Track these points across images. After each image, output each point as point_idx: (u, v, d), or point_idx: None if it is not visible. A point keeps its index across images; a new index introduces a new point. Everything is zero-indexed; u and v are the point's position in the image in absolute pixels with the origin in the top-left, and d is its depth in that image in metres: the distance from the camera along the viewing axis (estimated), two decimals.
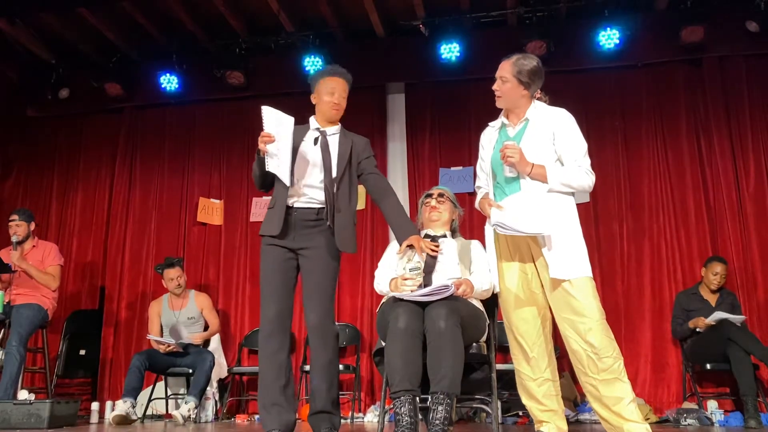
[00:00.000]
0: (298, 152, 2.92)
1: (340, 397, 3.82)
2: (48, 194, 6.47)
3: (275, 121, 2.83)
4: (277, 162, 2.85)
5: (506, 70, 2.76)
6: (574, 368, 2.66)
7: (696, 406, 4.55)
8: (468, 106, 5.76)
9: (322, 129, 3.00)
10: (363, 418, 4.99)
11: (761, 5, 5.06)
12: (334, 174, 2.89)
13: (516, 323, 2.75)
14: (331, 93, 2.97)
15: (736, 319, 4.49)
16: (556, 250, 2.62)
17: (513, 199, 2.69)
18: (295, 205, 2.91)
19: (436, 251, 2.89)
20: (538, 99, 2.86)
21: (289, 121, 2.82)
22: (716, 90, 5.39)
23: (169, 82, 6.04)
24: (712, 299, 4.76)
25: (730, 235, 5.12)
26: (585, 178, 2.70)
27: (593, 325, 2.55)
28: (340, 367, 4.58)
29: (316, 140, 2.97)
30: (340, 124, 3.07)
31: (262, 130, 2.83)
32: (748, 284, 5.03)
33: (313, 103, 3.06)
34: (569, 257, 2.61)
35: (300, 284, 2.93)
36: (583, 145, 2.74)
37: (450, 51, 5.52)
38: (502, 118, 2.91)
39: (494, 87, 2.81)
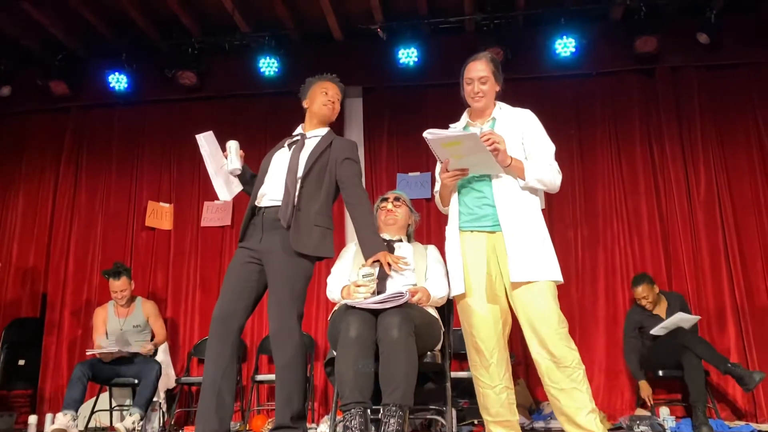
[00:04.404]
0: (272, 160, 2.92)
1: None
2: None
3: (206, 145, 2.87)
4: (217, 183, 2.96)
5: (483, 69, 2.71)
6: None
7: (648, 413, 4.58)
8: (426, 111, 5.71)
9: (304, 133, 2.95)
10: (316, 428, 4.86)
11: (711, 18, 5.17)
12: (299, 173, 2.80)
13: (477, 326, 2.65)
14: (325, 93, 2.96)
15: (689, 319, 4.52)
16: (521, 250, 2.57)
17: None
18: (261, 205, 2.83)
19: (404, 268, 2.79)
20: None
21: (210, 136, 2.91)
22: (669, 99, 5.48)
23: (118, 81, 5.81)
24: (660, 310, 4.77)
25: (681, 242, 5.19)
26: (557, 176, 2.71)
27: (552, 332, 2.50)
28: None
29: (290, 145, 2.92)
30: (328, 128, 3.00)
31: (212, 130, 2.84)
32: (699, 291, 5.09)
33: (305, 107, 3.02)
34: (534, 259, 2.56)
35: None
36: (551, 146, 2.74)
37: (408, 56, 5.47)
38: (466, 118, 2.85)
39: (476, 89, 2.72)
